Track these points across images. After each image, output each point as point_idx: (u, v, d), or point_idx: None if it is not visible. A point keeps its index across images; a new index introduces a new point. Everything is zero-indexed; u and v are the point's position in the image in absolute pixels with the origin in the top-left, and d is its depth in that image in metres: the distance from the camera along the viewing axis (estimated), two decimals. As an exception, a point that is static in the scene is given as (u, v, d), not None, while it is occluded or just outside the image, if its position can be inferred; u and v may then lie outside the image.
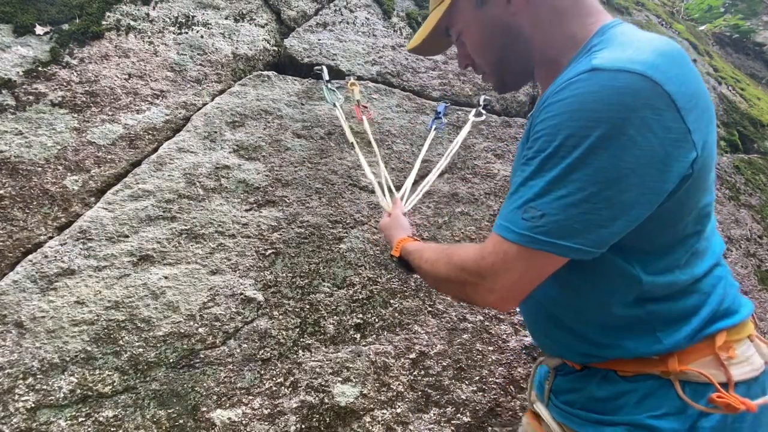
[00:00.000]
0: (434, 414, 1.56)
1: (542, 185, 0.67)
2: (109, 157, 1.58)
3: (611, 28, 0.77)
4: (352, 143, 1.62)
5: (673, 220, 0.73)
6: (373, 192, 1.80)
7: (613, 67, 0.65)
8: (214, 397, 1.40)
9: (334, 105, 1.72)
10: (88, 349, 1.35)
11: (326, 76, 1.82)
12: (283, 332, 1.53)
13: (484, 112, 1.97)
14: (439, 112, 1.93)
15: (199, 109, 1.75)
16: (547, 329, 0.95)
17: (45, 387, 1.29)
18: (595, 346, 0.84)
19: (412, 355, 1.61)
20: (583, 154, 0.64)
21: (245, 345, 1.48)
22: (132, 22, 1.78)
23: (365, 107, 1.83)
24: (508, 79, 0.94)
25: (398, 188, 1.53)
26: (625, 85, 0.63)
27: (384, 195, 1.46)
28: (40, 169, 1.50)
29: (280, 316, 1.54)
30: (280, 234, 1.64)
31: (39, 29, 1.64)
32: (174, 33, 1.83)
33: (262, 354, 1.49)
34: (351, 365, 1.54)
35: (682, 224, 0.74)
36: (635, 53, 0.67)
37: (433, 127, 1.82)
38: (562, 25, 0.81)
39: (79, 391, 1.31)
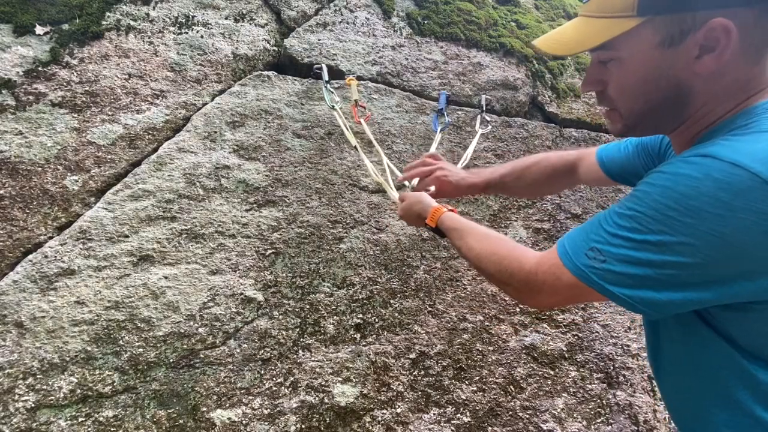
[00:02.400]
0: (434, 414, 1.56)
1: (614, 236, 0.69)
2: (109, 157, 1.58)
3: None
4: (354, 146, 1.62)
5: None
6: (373, 192, 1.80)
7: (728, 158, 0.59)
8: (214, 397, 1.40)
9: (333, 107, 1.72)
10: (88, 349, 1.35)
11: (326, 76, 1.82)
12: (283, 332, 1.53)
13: (487, 118, 1.97)
14: (441, 108, 1.92)
15: (199, 109, 1.75)
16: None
17: (45, 387, 1.29)
18: None
19: (412, 355, 1.61)
20: (659, 231, 0.63)
21: (245, 345, 1.48)
22: (132, 22, 1.78)
23: (363, 107, 1.82)
24: (638, 129, 0.82)
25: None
26: (730, 181, 0.58)
27: (391, 187, 1.50)
28: (40, 169, 1.50)
29: (280, 316, 1.54)
30: (280, 234, 1.64)
31: (39, 29, 1.64)
32: (174, 33, 1.83)
33: (262, 354, 1.49)
34: (351, 365, 1.54)
35: None
36: (767, 147, 0.59)
37: (439, 129, 1.82)
38: (736, 99, 0.71)
39: (79, 391, 1.31)
